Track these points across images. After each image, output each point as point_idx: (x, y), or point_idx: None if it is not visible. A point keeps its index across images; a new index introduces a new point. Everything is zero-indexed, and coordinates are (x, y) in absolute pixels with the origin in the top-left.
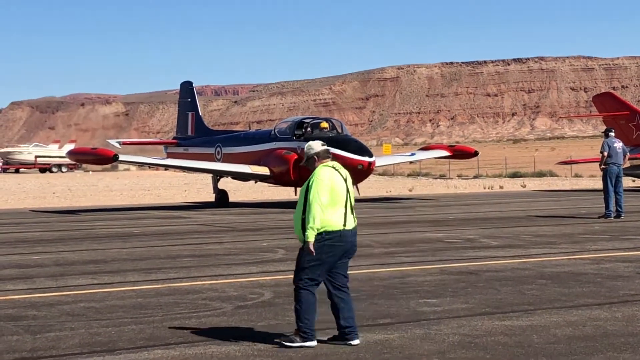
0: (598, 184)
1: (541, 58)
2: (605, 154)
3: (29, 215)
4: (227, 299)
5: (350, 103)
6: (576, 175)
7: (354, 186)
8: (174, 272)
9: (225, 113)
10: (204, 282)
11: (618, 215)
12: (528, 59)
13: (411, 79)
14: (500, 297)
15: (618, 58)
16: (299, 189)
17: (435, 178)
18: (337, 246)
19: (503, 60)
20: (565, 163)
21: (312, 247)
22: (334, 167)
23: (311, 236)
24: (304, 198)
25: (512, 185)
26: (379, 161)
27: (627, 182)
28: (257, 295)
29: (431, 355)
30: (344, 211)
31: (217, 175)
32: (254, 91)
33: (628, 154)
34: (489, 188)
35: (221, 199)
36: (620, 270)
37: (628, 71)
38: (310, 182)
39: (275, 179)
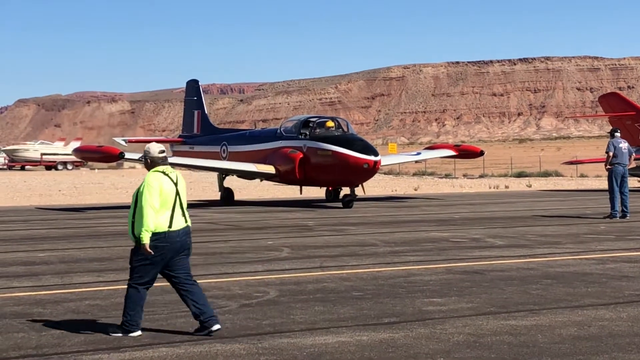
0: (604, 184)
1: (547, 58)
2: (611, 154)
3: (35, 212)
4: (232, 297)
5: (356, 102)
6: (582, 176)
7: (359, 185)
8: None
9: (231, 111)
10: (209, 280)
11: (623, 216)
12: (534, 58)
13: (417, 78)
14: (505, 296)
15: (624, 58)
16: (304, 187)
17: (441, 177)
18: (162, 246)
19: (509, 60)
20: (571, 163)
21: (148, 248)
22: (164, 172)
23: (146, 238)
24: (134, 203)
25: (518, 185)
26: (385, 160)
27: (633, 182)
28: (262, 293)
29: (436, 354)
30: (170, 213)
31: (223, 173)
32: (259, 90)
33: (634, 154)
34: (494, 188)
35: (227, 197)
36: (625, 271)
37: (634, 71)
38: (141, 188)
39: (280, 178)
